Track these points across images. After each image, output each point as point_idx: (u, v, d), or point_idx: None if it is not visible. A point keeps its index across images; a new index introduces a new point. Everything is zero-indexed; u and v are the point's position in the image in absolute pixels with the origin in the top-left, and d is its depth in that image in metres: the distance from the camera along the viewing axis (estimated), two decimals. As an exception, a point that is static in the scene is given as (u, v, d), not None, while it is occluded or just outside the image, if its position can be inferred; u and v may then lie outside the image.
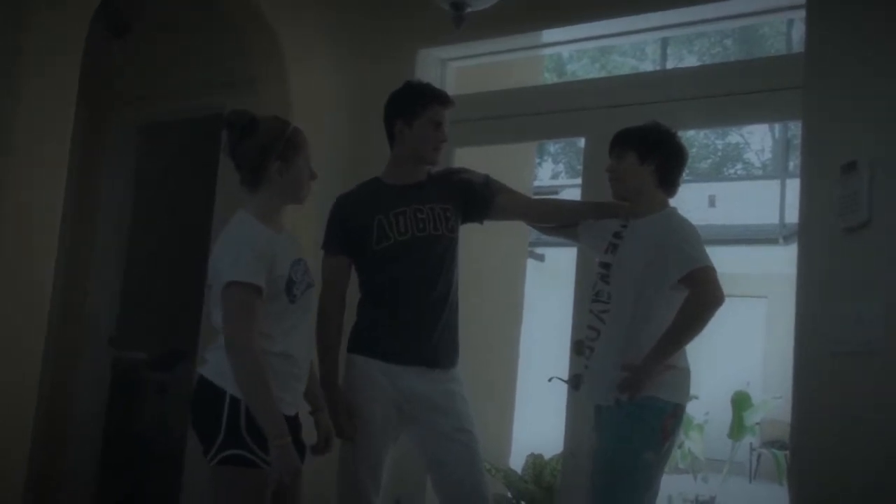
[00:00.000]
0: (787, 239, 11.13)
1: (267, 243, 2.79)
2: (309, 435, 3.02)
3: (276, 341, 2.77)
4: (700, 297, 3.03)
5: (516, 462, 5.41)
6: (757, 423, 10.93)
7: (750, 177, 20.30)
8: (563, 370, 4.11)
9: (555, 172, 21.79)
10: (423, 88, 3.40)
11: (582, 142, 4.57)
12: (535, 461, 5.13)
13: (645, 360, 3.02)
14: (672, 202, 3.30)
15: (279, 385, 2.74)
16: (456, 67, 4.99)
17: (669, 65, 15.46)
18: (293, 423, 2.86)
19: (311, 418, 3.05)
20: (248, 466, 2.67)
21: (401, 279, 3.25)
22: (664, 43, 14.21)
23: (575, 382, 3.97)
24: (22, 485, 3.71)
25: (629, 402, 3.04)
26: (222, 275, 2.73)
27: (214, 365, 2.78)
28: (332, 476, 3.28)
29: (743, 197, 14.67)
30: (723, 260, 3.16)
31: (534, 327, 9.61)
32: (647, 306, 3.10)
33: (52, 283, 3.83)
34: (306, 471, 2.82)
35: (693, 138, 18.74)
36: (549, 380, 4.04)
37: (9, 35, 3.70)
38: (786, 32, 14.14)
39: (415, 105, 3.29)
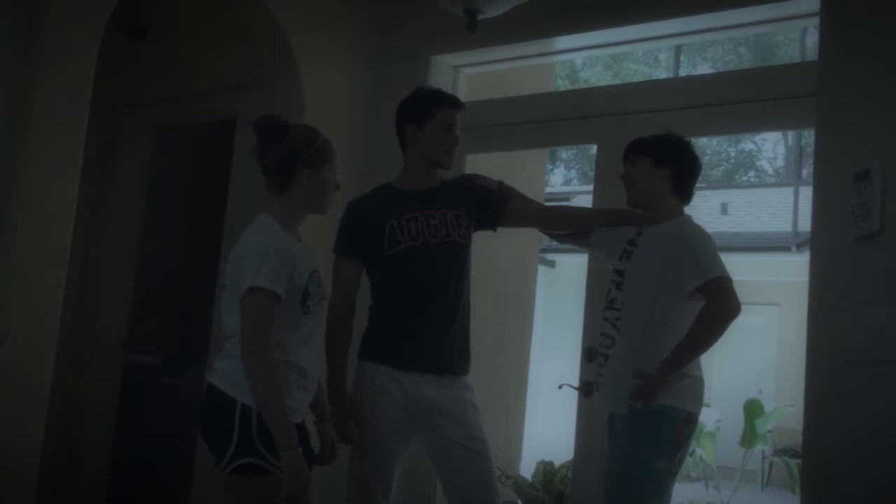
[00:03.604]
0: (799, 247, 11.12)
1: (290, 252, 2.77)
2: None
3: (287, 350, 2.75)
4: (717, 307, 3.02)
5: (526, 469, 5.42)
6: (769, 431, 10.88)
7: (763, 184, 20.24)
8: (574, 377, 4.10)
9: (567, 179, 21.81)
10: (434, 93, 3.42)
11: (594, 149, 4.56)
12: (546, 468, 5.13)
13: (660, 369, 3.01)
14: (685, 210, 3.29)
15: (286, 393, 2.72)
16: (468, 74, 5.00)
17: (683, 72, 15.44)
18: (301, 431, 2.85)
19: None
20: (261, 474, 2.65)
21: (412, 285, 3.23)
22: (677, 50, 14.20)
23: (586, 389, 3.96)
24: (34, 486, 3.72)
25: (642, 409, 3.04)
26: (243, 279, 2.71)
27: (225, 373, 2.76)
28: (343, 483, 3.27)
29: (755, 204, 14.61)
30: (735, 267, 3.15)
31: (545, 334, 9.63)
32: (662, 314, 3.09)
33: (64, 286, 3.84)
34: (316, 477, 2.82)
35: (706, 145, 18.72)
36: (560, 387, 4.03)
37: (24, 38, 3.71)
38: (800, 40, 14.14)
39: (426, 109, 3.29)
